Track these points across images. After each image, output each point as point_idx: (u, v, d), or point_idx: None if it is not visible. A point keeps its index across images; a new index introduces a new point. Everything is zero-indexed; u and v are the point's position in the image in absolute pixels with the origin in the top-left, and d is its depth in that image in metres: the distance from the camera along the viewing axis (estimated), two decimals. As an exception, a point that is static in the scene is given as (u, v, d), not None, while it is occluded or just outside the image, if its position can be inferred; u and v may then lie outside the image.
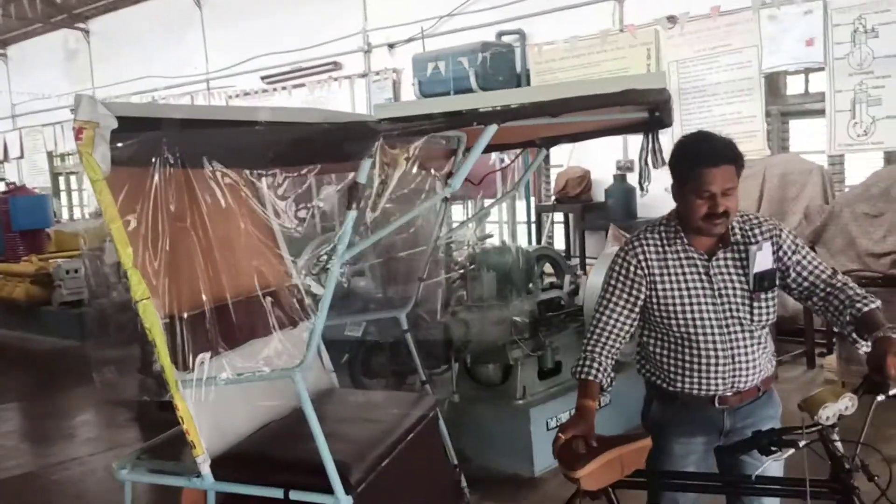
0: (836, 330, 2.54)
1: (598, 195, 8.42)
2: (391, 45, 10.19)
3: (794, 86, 7.51)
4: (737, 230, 2.49)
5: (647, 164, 2.81)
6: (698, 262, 2.49)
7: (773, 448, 2.22)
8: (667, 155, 2.57)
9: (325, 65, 10.80)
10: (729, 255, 2.49)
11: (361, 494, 2.55)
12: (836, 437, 2.22)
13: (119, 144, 2.10)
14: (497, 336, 4.59)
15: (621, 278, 2.54)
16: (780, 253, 2.49)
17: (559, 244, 9.18)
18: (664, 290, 2.50)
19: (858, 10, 6.65)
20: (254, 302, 2.75)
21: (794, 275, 2.48)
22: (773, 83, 7.46)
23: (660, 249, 2.52)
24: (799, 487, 2.22)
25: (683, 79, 7.83)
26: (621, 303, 2.54)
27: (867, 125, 6.73)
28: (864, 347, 2.32)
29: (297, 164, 2.29)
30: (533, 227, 9.19)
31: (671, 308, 2.50)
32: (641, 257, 2.52)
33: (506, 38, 8.95)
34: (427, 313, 5.61)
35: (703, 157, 2.34)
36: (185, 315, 2.52)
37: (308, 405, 2.41)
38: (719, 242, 2.48)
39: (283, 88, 11.27)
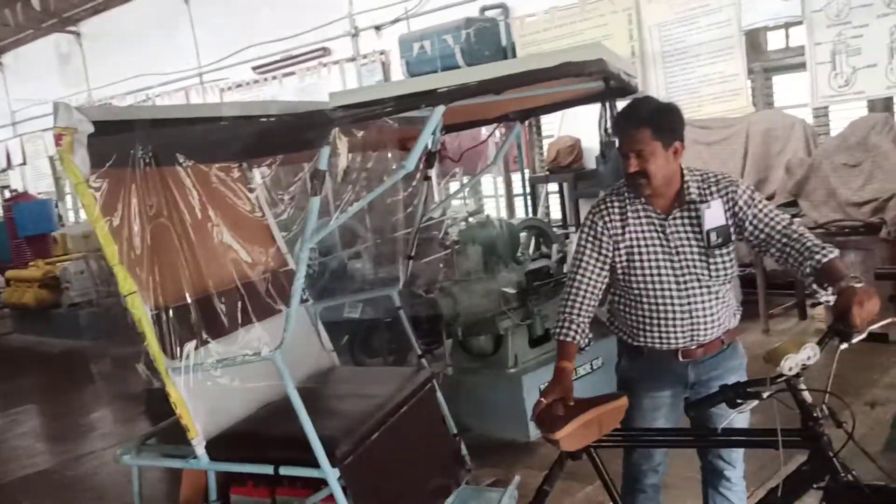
0: (798, 279, 2.60)
1: (590, 163, 8.48)
2: (378, 28, 10.23)
3: (774, 41, 7.54)
4: (693, 189, 2.58)
5: (606, 132, 2.92)
6: (656, 221, 2.60)
7: (738, 400, 2.28)
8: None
9: (315, 51, 10.87)
10: (685, 213, 2.58)
11: (349, 466, 2.67)
12: (802, 386, 2.27)
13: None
14: (486, 308, 4.71)
15: (591, 239, 2.66)
16: (736, 208, 2.56)
17: (556, 214, 9.27)
18: (626, 247, 2.62)
19: (833, -39, 6.66)
20: (241, 290, 2.89)
21: (750, 227, 2.56)
22: (754, 40, 7.48)
23: (622, 209, 2.63)
24: (770, 437, 2.29)
25: (666, 42, 7.86)
26: (592, 262, 2.65)
27: (848, 75, 6.76)
28: (825, 297, 2.38)
29: (262, 155, 2.41)
30: (528, 198, 9.27)
31: (632, 265, 2.62)
32: (607, 217, 2.63)
33: (489, 13, 8.98)
34: (422, 289, 5.77)
35: (620, 120, 2.53)
36: (173, 306, 2.66)
37: (290, 385, 2.53)
38: (675, 202, 2.58)
39: (275, 78, 11.36)
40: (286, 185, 2.48)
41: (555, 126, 8.81)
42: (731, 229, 2.58)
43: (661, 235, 2.60)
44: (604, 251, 2.64)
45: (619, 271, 2.66)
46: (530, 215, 8.83)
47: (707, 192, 2.59)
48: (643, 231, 2.61)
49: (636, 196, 2.60)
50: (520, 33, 8.81)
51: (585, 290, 2.66)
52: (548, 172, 8.83)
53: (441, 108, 2.19)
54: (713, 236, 2.56)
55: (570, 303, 2.66)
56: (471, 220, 6.34)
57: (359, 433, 2.85)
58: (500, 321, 4.72)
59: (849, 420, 2.21)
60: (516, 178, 9.38)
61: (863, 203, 5.65)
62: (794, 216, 6.23)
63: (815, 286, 2.43)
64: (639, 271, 2.62)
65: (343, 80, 10.74)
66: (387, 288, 3.70)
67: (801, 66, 7.09)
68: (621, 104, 2.76)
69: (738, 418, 2.49)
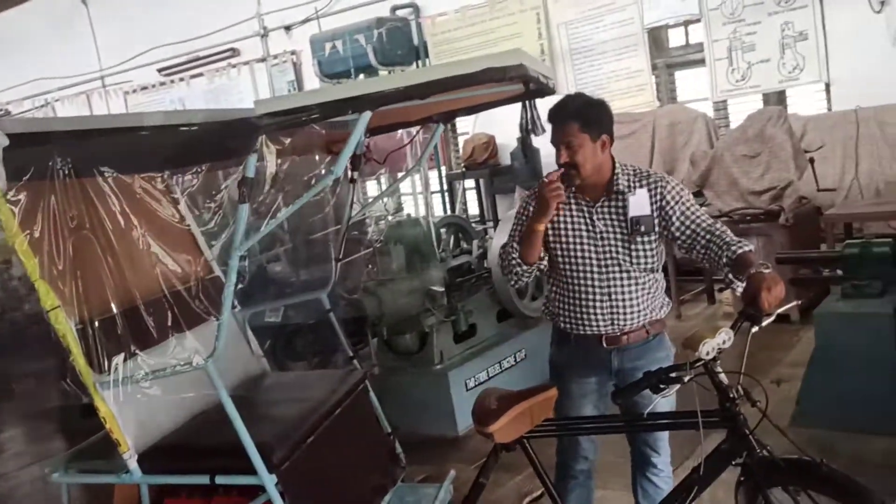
0: (718, 274, 2.74)
1: (505, 159, 8.63)
2: (288, 28, 10.14)
3: (675, 38, 7.87)
4: (622, 181, 2.74)
5: (526, 132, 3.04)
6: (585, 208, 2.76)
7: (661, 386, 2.41)
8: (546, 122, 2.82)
9: (223, 52, 10.67)
10: (612, 202, 2.75)
11: (286, 471, 2.67)
12: (719, 369, 2.41)
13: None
14: (410, 306, 4.77)
15: (524, 218, 2.84)
16: (663, 203, 2.71)
17: (473, 210, 9.40)
18: (554, 231, 2.78)
19: (727, -38, 7.00)
20: (169, 300, 2.85)
21: (677, 223, 2.70)
22: (657, 37, 7.80)
23: None
24: (691, 419, 2.43)
25: (573, 39, 8.09)
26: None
27: (744, 70, 7.13)
28: (740, 287, 2.53)
29: (187, 164, 2.40)
30: (446, 195, 9.37)
31: (558, 248, 2.79)
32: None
33: (400, 12, 9.03)
34: (347, 291, 5.77)
35: (551, 114, 2.70)
36: (99, 319, 2.61)
37: (223, 393, 2.53)
38: (604, 191, 2.74)
39: (182, 80, 11.10)
40: (213, 193, 2.47)
41: (469, 123, 8.94)
42: (655, 221, 2.72)
43: (588, 221, 2.76)
44: None
45: (550, 254, 2.82)
46: (449, 212, 8.92)
47: (636, 184, 2.74)
48: (572, 217, 2.77)
49: (568, 185, 2.72)
50: (431, 32, 8.90)
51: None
52: (464, 169, 8.94)
53: (368, 114, 2.23)
54: (636, 224, 2.70)
55: (509, 264, 2.85)
56: (391, 218, 6.38)
57: (294, 438, 2.86)
58: (425, 319, 4.79)
59: (762, 399, 2.35)
60: (433, 175, 9.46)
61: (762, 191, 5.97)
62: (700, 206, 6.56)
63: (731, 276, 2.59)
64: (564, 254, 2.78)
65: (253, 80, 10.60)
66: (316, 291, 3.71)
67: (701, 62, 7.45)
68: (541, 104, 2.89)
69: (665, 404, 2.64)
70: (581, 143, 2.64)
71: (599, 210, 2.75)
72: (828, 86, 6.85)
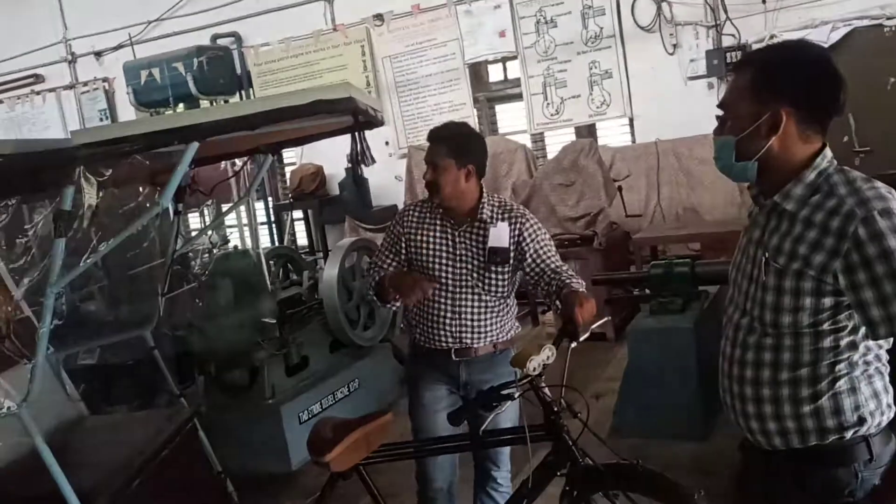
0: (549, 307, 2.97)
1: (334, 189, 8.65)
2: (98, 54, 9.66)
3: (494, 73, 8.25)
4: (486, 210, 2.89)
5: (356, 163, 3.12)
6: (448, 230, 2.91)
7: (494, 403, 2.50)
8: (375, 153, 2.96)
9: (25, 78, 9.98)
10: (474, 229, 2.89)
11: (111, 519, 2.55)
12: (543, 384, 2.54)
13: None
14: (240, 341, 4.64)
15: (391, 235, 3.02)
16: (520, 238, 2.87)
17: (302, 241, 9.31)
18: (417, 248, 2.93)
19: (539, 4, 7.47)
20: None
21: (529, 259, 2.87)
22: (477, 72, 8.14)
23: (421, 217, 2.97)
24: (520, 434, 2.57)
25: (398, 72, 8.28)
26: (391, 253, 3.01)
27: (557, 105, 7.60)
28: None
29: (-5, 197, 2.24)
30: (274, 227, 9.22)
31: (419, 262, 2.92)
32: (406, 220, 2.98)
33: (221, 41, 8.85)
34: (171, 328, 5.52)
35: (430, 134, 2.92)
36: None
37: (39, 440, 2.37)
38: (468, 217, 2.89)
39: (-24, 107, 10.26)
40: (25, 228, 2.32)
41: (296, 154, 8.88)
42: (512, 254, 2.87)
43: (449, 242, 2.90)
44: (397, 247, 2.99)
45: (411, 266, 2.95)
46: (277, 244, 8.79)
47: (499, 215, 2.90)
48: (435, 236, 2.92)
49: (436, 208, 2.92)
50: (254, 62, 8.81)
51: (387, 270, 2.98)
52: (292, 200, 8.85)
53: (195, 145, 2.19)
54: (492, 254, 2.85)
55: (375, 275, 2.99)
56: (216, 251, 6.20)
57: (118, 483, 2.73)
58: (255, 353, 4.67)
59: (584, 411, 2.50)
60: (259, 206, 9.29)
61: (577, 218, 6.38)
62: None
63: (557, 303, 2.76)
64: (423, 270, 2.91)
65: (61, 109, 9.99)
66: (138, 328, 3.54)
67: (519, 97, 7.86)
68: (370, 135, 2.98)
69: (507, 420, 2.76)
70: (446, 167, 2.81)
71: (461, 234, 2.89)
72: (631, 120, 7.44)
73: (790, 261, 1.66)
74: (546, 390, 2.57)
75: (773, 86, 1.68)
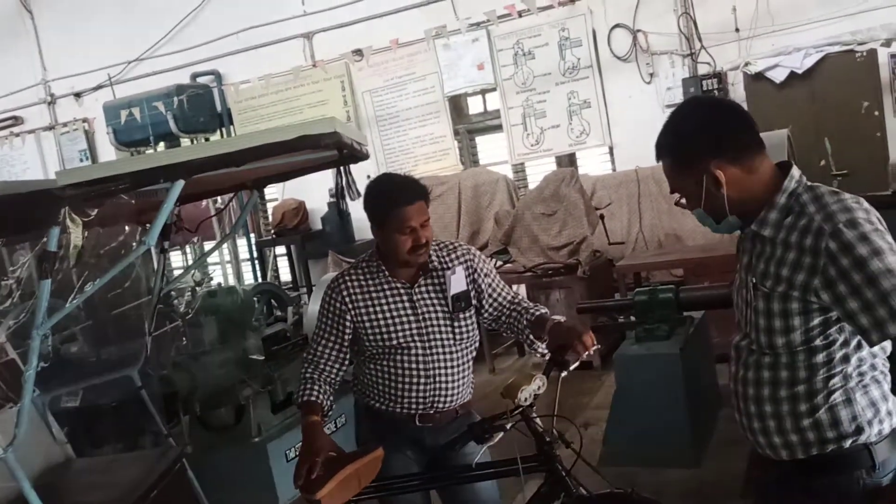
0: (520, 339, 2.85)
1: (316, 224, 8.66)
2: (78, 95, 9.68)
3: (474, 106, 8.33)
4: (434, 258, 2.73)
5: (342, 197, 3.08)
6: (402, 292, 2.68)
7: (486, 436, 2.46)
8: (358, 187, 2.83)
9: (4, 120, 9.98)
10: (429, 281, 2.72)
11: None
12: (534, 414, 2.51)
13: None
14: (225, 379, 4.60)
15: (330, 315, 2.70)
16: (475, 275, 2.77)
17: (285, 276, 9.28)
18: (370, 320, 2.66)
19: (516, 36, 7.58)
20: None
21: (486, 296, 2.78)
22: (457, 104, 8.22)
23: (363, 285, 2.69)
24: (512, 466, 2.51)
25: (378, 106, 8.35)
26: (332, 337, 2.70)
27: (537, 135, 7.68)
28: (540, 348, 2.68)
29: (-21, 239, 2.22)
30: (256, 263, 9.19)
31: (378, 335, 2.68)
32: (346, 293, 2.68)
33: (201, 80, 8.90)
34: (155, 367, 5.46)
35: (399, 198, 2.57)
36: None
37: (26, 485, 2.33)
38: (420, 271, 2.71)
39: (-44, 150, 10.21)
40: (12, 270, 2.30)
41: (278, 189, 8.89)
42: (472, 294, 2.77)
43: (407, 305, 2.68)
44: (340, 327, 2.69)
45: (367, 342, 2.70)
46: (260, 280, 8.76)
47: (446, 259, 2.75)
48: (388, 303, 2.68)
49: (378, 270, 2.69)
50: (235, 100, 8.85)
51: (326, 361, 2.71)
52: (274, 235, 8.84)
53: (181, 182, 2.20)
54: (457, 301, 2.71)
55: (310, 369, 2.70)
56: (199, 290, 6.16)
57: (106, 527, 2.68)
58: (241, 391, 4.63)
59: (576, 440, 2.49)
60: (241, 242, 9.27)
61: (560, 247, 6.40)
62: (505, 262, 6.93)
63: (531, 337, 2.73)
64: (386, 341, 2.67)
65: (40, 150, 9.99)
66: (124, 368, 3.50)
67: (499, 128, 7.94)
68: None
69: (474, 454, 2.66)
70: (429, 218, 2.63)
71: (418, 291, 2.69)
72: (611, 148, 7.53)
73: (776, 284, 1.74)
74: (538, 420, 2.54)
75: (688, 155, 1.80)
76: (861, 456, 1.76)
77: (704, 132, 1.79)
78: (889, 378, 1.81)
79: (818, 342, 1.74)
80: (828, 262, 1.64)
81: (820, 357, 1.75)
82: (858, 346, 1.74)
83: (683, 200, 1.89)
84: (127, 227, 3.24)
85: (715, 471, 4.17)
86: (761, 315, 1.78)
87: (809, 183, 1.78)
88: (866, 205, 1.72)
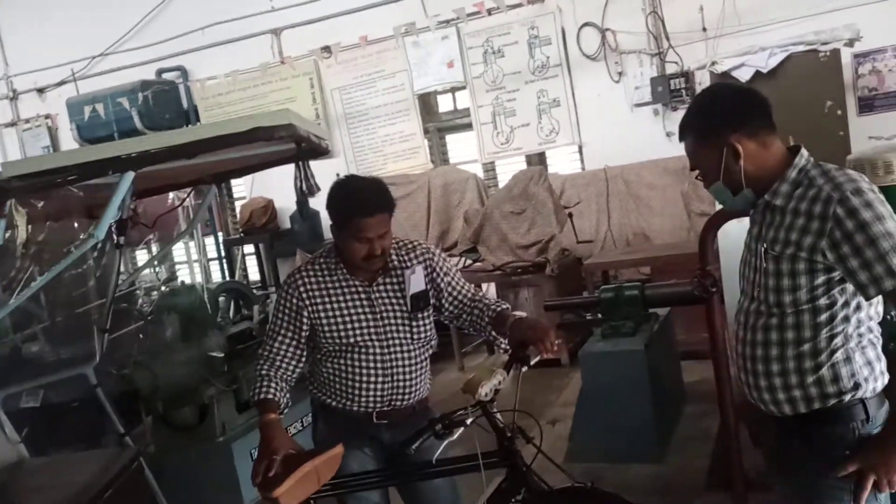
0: (483, 336, 2.85)
1: (285, 222, 8.57)
2: (41, 90, 9.51)
3: (444, 104, 8.30)
4: (394, 257, 2.70)
5: (302, 192, 3.03)
6: (360, 290, 2.67)
7: (445, 431, 2.44)
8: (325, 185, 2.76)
9: (-35, 116, 9.78)
10: (388, 280, 2.70)
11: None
12: (495, 409, 2.49)
13: None
14: (188, 378, 4.52)
15: (286, 310, 2.67)
16: (434, 274, 2.74)
17: (254, 275, 9.18)
18: (328, 317, 2.65)
19: (486, 34, 7.56)
20: None
21: (446, 294, 2.76)
22: (427, 102, 8.18)
23: (321, 281, 2.67)
24: (473, 462, 2.49)
25: (347, 104, 8.29)
26: (288, 333, 2.68)
27: (507, 134, 7.67)
28: (503, 344, 2.67)
29: (-81, 232, 2.15)
30: (224, 262, 9.09)
31: (335, 333, 2.66)
32: (302, 289, 2.65)
33: (167, 76, 8.78)
34: (117, 366, 5.37)
35: (359, 208, 2.52)
36: None
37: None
38: (379, 270, 2.68)
39: (-88, 146, 9.99)
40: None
41: (246, 187, 8.80)
42: (431, 293, 2.75)
43: (365, 303, 2.67)
44: (297, 323, 2.67)
45: (323, 339, 2.68)
46: (227, 278, 8.66)
47: (405, 258, 2.73)
48: (346, 300, 2.66)
49: (337, 267, 2.66)
50: (201, 96, 8.74)
51: (282, 357, 2.68)
52: (242, 234, 8.75)
53: (131, 174, 2.14)
54: (416, 300, 2.69)
55: (266, 366, 2.67)
56: (164, 288, 6.07)
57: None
58: (205, 390, 4.55)
59: (537, 436, 2.47)
60: (209, 241, 9.16)
61: (529, 245, 6.40)
62: (474, 261, 6.91)
63: (494, 333, 2.72)
64: (343, 338, 2.66)
65: (2, 146, 9.80)
66: (79, 367, 3.42)
67: (469, 126, 7.91)
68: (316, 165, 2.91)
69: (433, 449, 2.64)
70: (389, 230, 2.60)
71: (377, 290, 2.68)
72: (580, 147, 7.53)
73: (785, 247, 1.92)
74: (498, 416, 2.51)
75: (711, 130, 2.00)
76: (857, 409, 1.95)
77: (726, 107, 2.01)
78: (881, 342, 2.01)
79: (822, 301, 1.92)
80: (834, 225, 1.83)
81: (823, 317, 1.93)
82: (858, 308, 1.92)
83: (701, 177, 2.07)
84: (77, 225, 3.16)
85: (678, 466, 4.19)
86: (771, 276, 1.96)
87: (815, 162, 1.97)
88: (867, 179, 1.92)
